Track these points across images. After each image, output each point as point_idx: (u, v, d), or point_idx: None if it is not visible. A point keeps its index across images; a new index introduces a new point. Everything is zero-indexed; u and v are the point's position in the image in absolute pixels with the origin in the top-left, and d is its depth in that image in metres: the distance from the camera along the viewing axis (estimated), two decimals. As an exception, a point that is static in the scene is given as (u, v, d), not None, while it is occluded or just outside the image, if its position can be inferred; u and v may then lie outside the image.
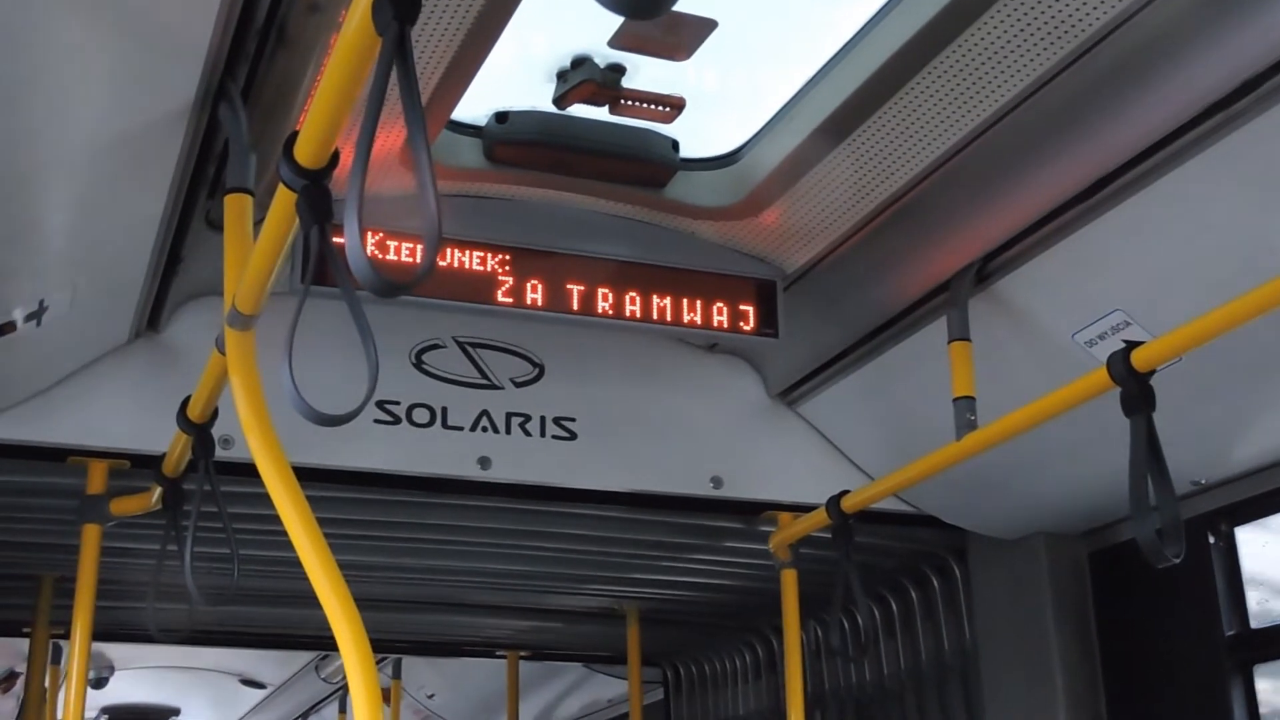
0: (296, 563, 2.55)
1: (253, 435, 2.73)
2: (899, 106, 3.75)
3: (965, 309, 4.18)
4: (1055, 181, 3.76)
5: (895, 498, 4.96)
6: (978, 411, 4.11)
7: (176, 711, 12.48)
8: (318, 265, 2.44)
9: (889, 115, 3.80)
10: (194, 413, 3.62)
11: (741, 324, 4.48)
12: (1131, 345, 3.45)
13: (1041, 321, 4.15)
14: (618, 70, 3.88)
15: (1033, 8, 3.30)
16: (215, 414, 3.63)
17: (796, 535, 4.98)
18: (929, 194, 4.07)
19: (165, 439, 3.98)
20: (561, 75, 3.91)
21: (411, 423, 4.66)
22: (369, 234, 3.92)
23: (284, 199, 2.48)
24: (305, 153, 2.36)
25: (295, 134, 2.38)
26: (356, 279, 1.87)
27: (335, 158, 2.39)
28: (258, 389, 2.81)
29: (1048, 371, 4.01)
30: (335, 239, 2.31)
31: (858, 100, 3.77)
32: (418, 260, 4.02)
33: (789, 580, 5.08)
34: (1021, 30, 3.39)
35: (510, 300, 4.19)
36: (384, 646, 7.89)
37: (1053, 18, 3.32)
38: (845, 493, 4.71)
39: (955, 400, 4.13)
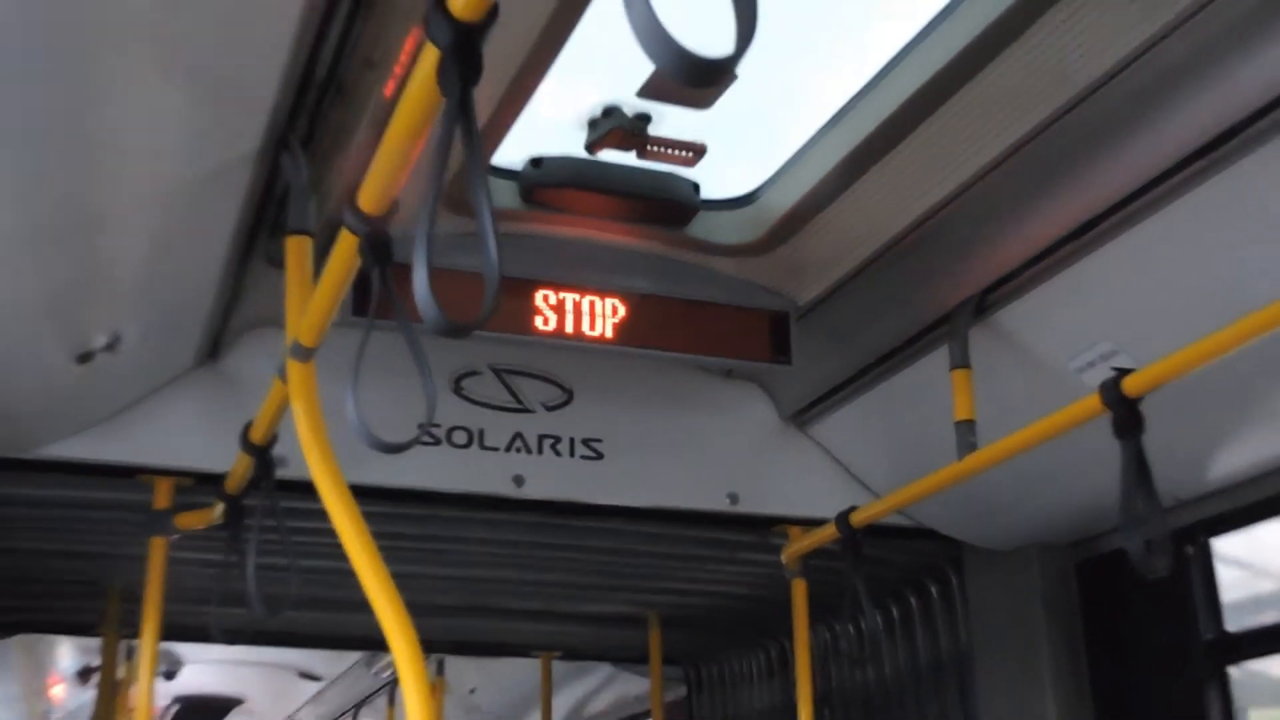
0: (347, 572, 2.54)
1: (313, 458, 2.71)
2: (904, 153, 3.74)
3: (965, 338, 4.14)
4: (1049, 221, 3.73)
5: (898, 513, 4.90)
6: (977, 432, 4.07)
7: (240, 701, 12.55)
8: (379, 302, 2.40)
9: (895, 161, 3.78)
10: (256, 436, 3.61)
11: (756, 352, 4.46)
12: (1122, 373, 3.41)
13: (1037, 350, 4.10)
14: (644, 119, 3.87)
15: (1030, 62, 3.29)
16: (275, 436, 3.60)
17: (807, 548, 4.94)
18: (931, 232, 4.04)
19: (226, 458, 3.95)
20: (592, 123, 3.90)
21: (451, 444, 4.64)
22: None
23: (347, 242, 2.48)
24: (369, 201, 2.36)
25: (358, 184, 2.36)
26: (423, 320, 1.82)
27: (396, 205, 2.37)
28: (318, 415, 2.80)
29: (1042, 396, 3.96)
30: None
31: (867, 147, 3.75)
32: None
33: (799, 589, 5.05)
34: (1019, 84, 3.38)
35: (544, 330, 4.17)
36: (429, 647, 7.84)
37: (1047, 72, 3.31)
38: (853, 508, 4.66)
39: (957, 423, 4.09)
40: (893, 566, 5.64)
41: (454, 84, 1.85)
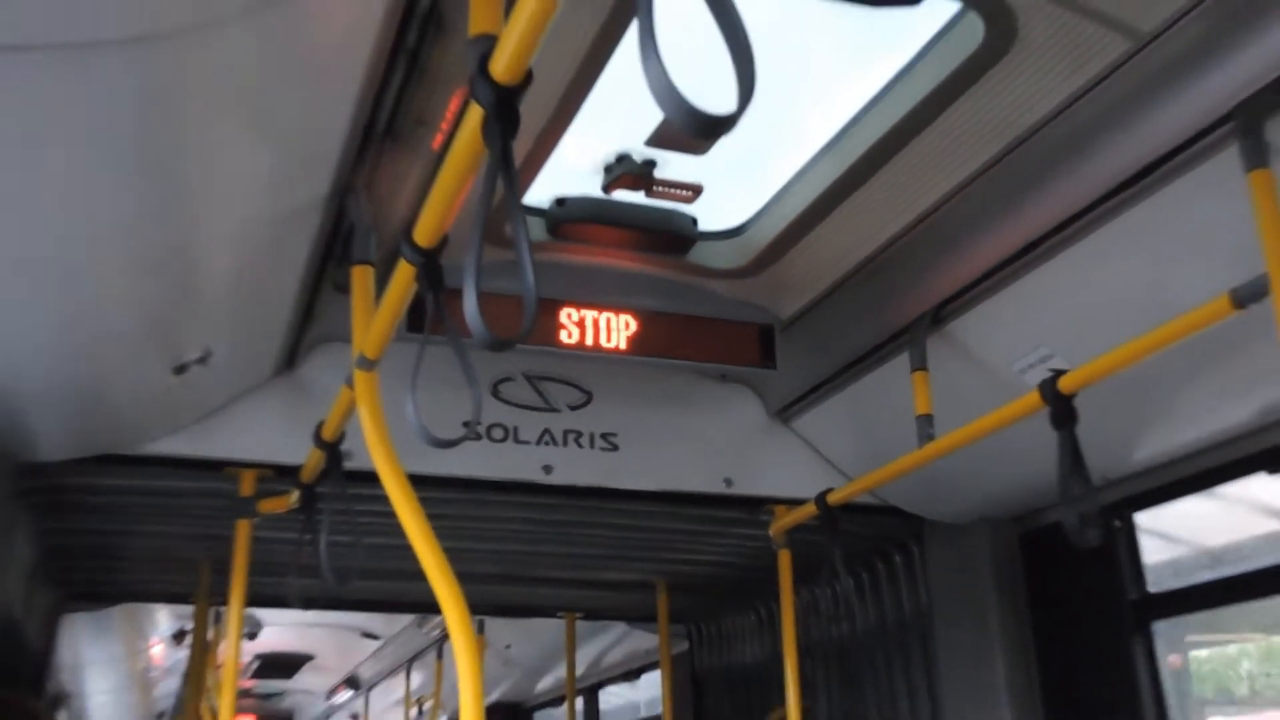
0: (404, 547, 2.54)
1: (376, 451, 2.70)
2: (870, 191, 3.73)
3: (924, 345, 4.13)
4: (993, 245, 3.71)
5: (868, 493, 4.89)
6: (935, 424, 4.06)
7: (311, 657, 12.50)
8: (433, 321, 2.40)
9: (862, 197, 3.78)
10: (326, 433, 3.59)
11: (747, 359, 4.47)
12: (1058, 373, 3.40)
13: (984, 354, 4.09)
14: (651, 164, 3.87)
15: (974, 114, 3.29)
16: (343, 434, 3.60)
17: (791, 524, 4.92)
18: (894, 256, 4.04)
19: (301, 452, 3.95)
20: (607, 168, 3.90)
21: (491, 439, 4.63)
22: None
23: (405, 271, 2.47)
24: (423, 236, 2.35)
25: (413, 221, 2.35)
26: (473, 336, 1.82)
27: (445, 239, 2.36)
28: (381, 416, 2.79)
29: (990, 393, 3.95)
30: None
31: (838, 186, 3.75)
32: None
33: (784, 559, 5.02)
34: (966, 132, 3.38)
35: (568, 343, 4.17)
36: (471, 610, 7.76)
37: (988, 122, 3.32)
38: (830, 490, 4.65)
39: (917, 417, 4.08)
40: (864, 539, 5.62)
41: (496, 137, 1.84)
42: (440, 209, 2.24)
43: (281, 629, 10.94)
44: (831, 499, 4.61)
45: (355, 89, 2.71)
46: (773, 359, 4.49)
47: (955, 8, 3.07)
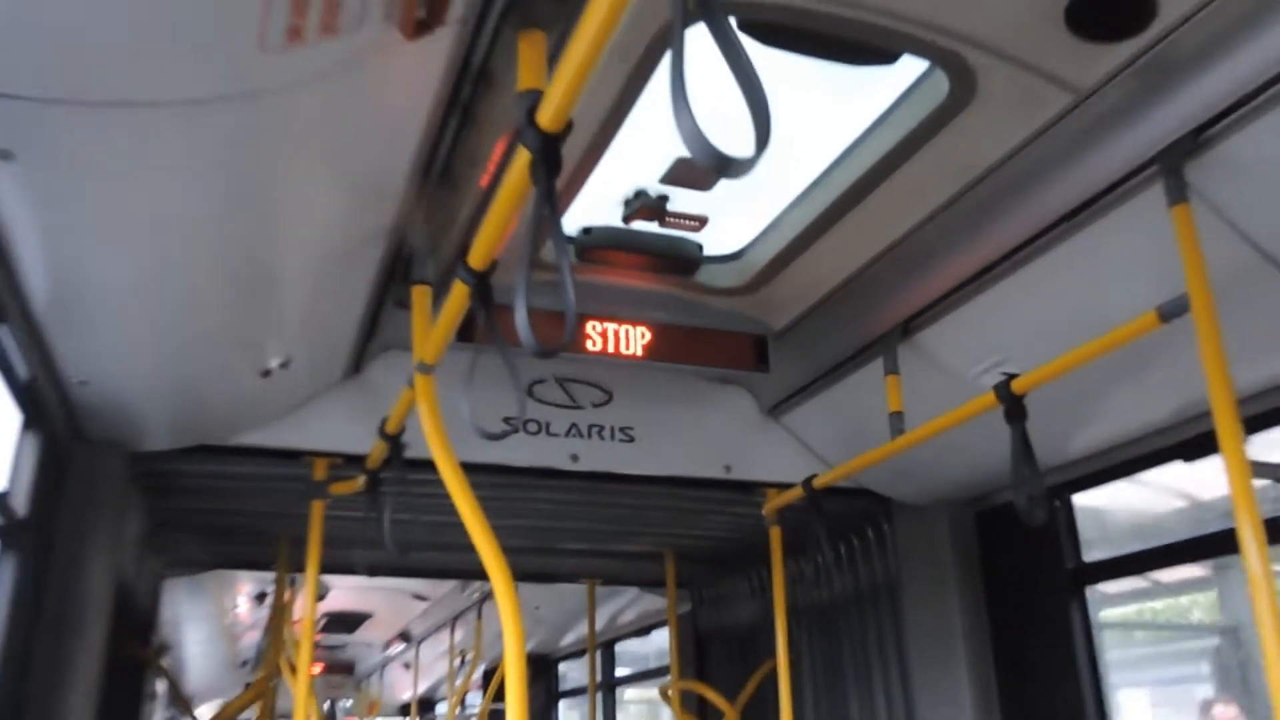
0: (455, 524, 2.55)
1: (433, 443, 2.71)
2: (851, 221, 3.72)
3: (895, 352, 4.13)
4: (955, 268, 3.71)
5: (846, 478, 4.88)
6: (904, 420, 4.04)
7: (370, 615, 12.47)
8: (484, 332, 2.40)
9: (844, 227, 3.77)
10: (390, 427, 3.60)
11: (744, 364, 4.47)
12: (1010, 376, 3.39)
13: (947, 360, 4.07)
14: (664, 198, 3.86)
15: (939, 157, 3.28)
16: (404, 428, 3.60)
17: (780, 504, 4.92)
18: (870, 277, 4.02)
19: (367, 443, 3.95)
20: (626, 202, 3.90)
21: (526, 432, 4.62)
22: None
23: (460, 290, 2.47)
24: (476, 261, 2.36)
25: (466, 248, 2.36)
26: (523, 345, 1.83)
27: (495, 263, 2.36)
28: (437, 413, 2.79)
29: (951, 393, 3.93)
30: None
31: (823, 217, 3.74)
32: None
33: (775, 534, 5.01)
34: (932, 171, 3.37)
35: (593, 350, 4.17)
36: None
37: (950, 164, 3.31)
38: (814, 475, 4.64)
39: (889, 414, 4.07)
40: (843, 517, 5.60)
41: (542, 177, 1.85)
42: (492, 238, 2.25)
43: (344, 591, 10.93)
44: (816, 483, 4.60)
45: (416, 136, 2.71)
46: (766, 364, 4.49)
47: (924, 66, 3.07)
